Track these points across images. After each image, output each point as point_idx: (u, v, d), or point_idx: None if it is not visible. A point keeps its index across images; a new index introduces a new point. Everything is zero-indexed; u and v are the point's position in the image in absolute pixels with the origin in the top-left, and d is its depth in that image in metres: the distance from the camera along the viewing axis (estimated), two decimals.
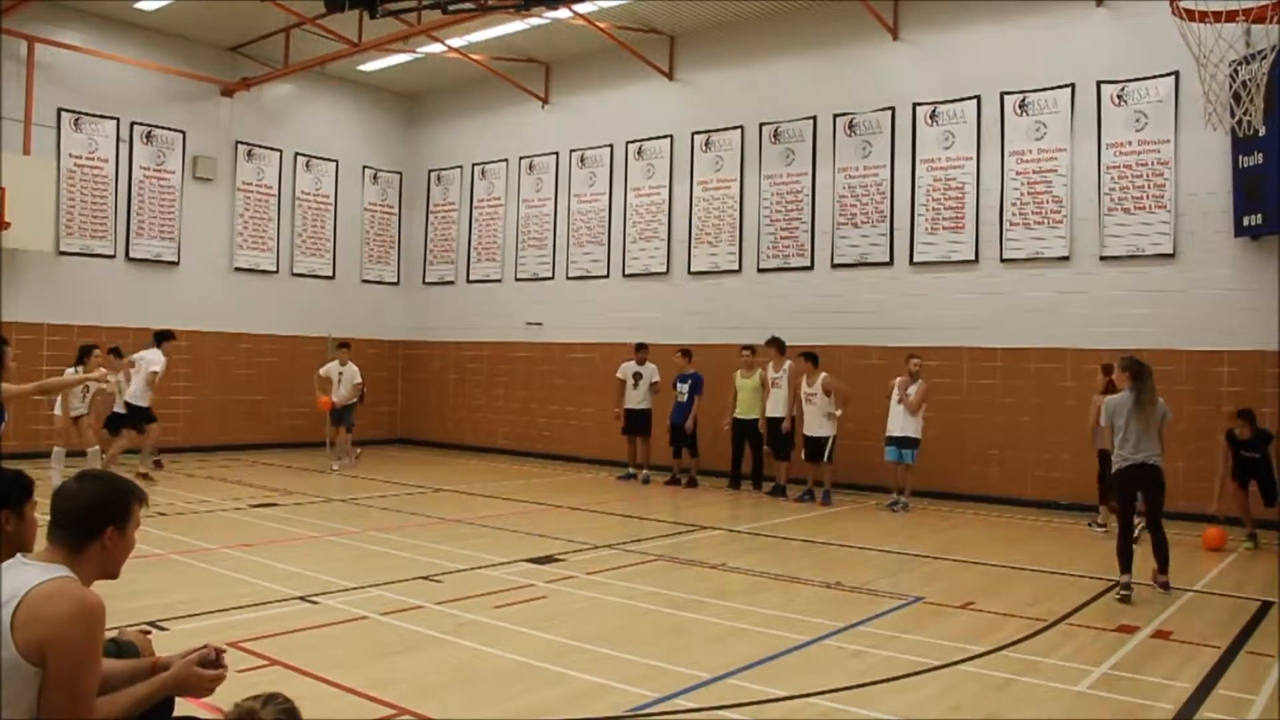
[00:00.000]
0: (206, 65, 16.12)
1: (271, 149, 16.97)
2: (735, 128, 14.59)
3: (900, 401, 11.32)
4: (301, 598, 6.38)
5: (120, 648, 3.01)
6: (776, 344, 12.54)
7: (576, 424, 16.17)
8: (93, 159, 14.80)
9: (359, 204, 18.35)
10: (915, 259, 12.84)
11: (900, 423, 11.34)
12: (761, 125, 14.29)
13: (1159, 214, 11.22)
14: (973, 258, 12.42)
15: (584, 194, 16.36)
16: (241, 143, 16.57)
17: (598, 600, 6.64)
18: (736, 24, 14.59)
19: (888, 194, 13.11)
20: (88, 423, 11.57)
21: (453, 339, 18.14)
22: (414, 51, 16.06)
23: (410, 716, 4.31)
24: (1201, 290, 10.94)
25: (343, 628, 5.74)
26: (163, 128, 15.56)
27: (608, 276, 15.94)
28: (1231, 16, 8.47)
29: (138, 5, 14.48)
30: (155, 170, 15.50)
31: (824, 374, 11.96)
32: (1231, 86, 8.80)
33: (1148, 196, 11.29)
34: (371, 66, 17.17)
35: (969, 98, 12.52)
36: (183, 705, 2.99)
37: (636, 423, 13.71)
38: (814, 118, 13.79)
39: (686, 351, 13.59)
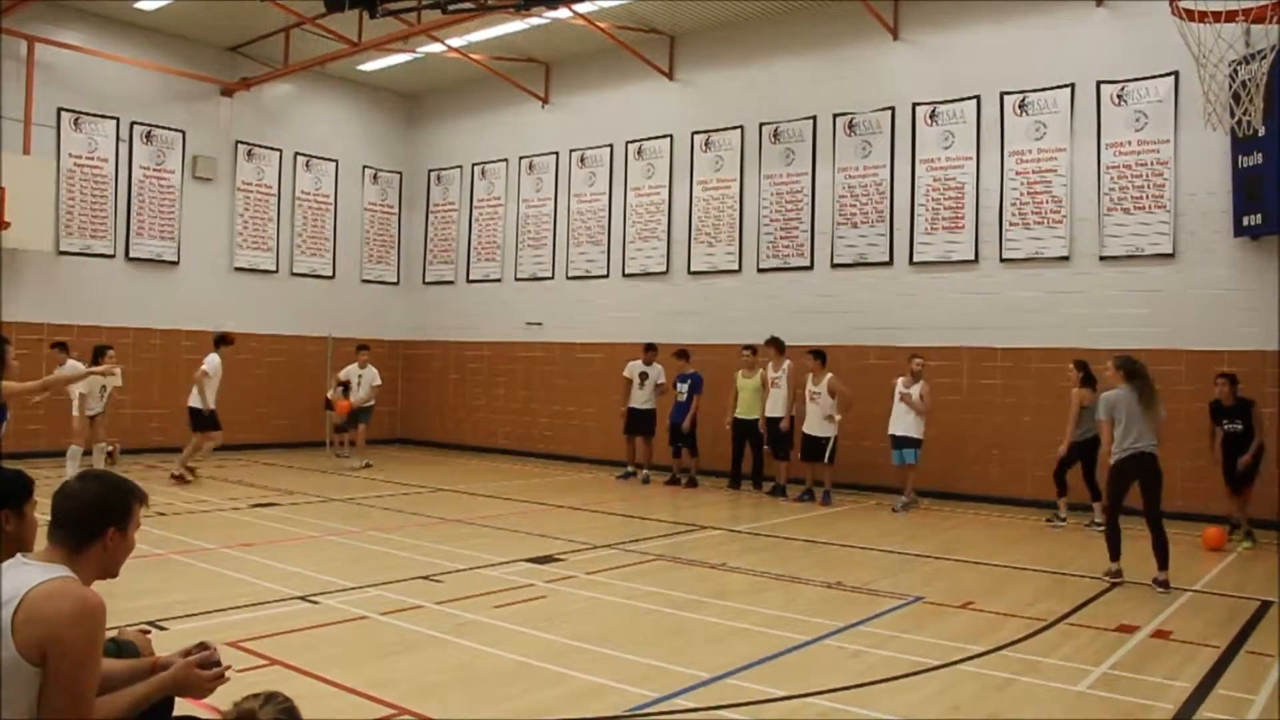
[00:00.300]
0: (206, 65, 16.12)
1: (271, 149, 16.97)
2: (735, 128, 14.59)
3: (901, 400, 11.34)
4: (301, 597, 6.38)
5: (120, 648, 3.01)
6: (776, 344, 12.54)
7: (577, 424, 16.17)
8: (93, 159, 14.80)
9: (359, 204, 18.35)
10: (915, 259, 12.84)
11: (901, 422, 11.36)
12: (761, 125, 14.29)
13: (1158, 214, 11.22)
14: (972, 258, 12.42)
15: (584, 194, 16.36)
16: (241, 142, 16.57)
17: (598, 600, 6.64)
18: (736, 24, 14.59)
19: (887, 194, 13.11)
20: (101, 421, 11.71)
21: (453, 339, 18.14)
22: (414, 51, 16.06)
23: (410, 716, 4.31)
24: (1201, 290, 10.94)
25: (342, 627, 5.74)
26: (162, 127, 15.56)
27: (607, 276, 15.94)
28: (1231, 16, 8.47)
29: (138, 5, 14.48)
30: (155, 170, 15.50)
31: (830, 374, 11.96)
32: (1231, 86, 8.80)
33: (1147, 196, 11.29)
34: (371, 66, 17.17)
35: (969, 98, 12.52)
36: (182, 705, 2.99)
37: (640, 422, 13.72)
38: (814, 118, 13.79)
39: (683, 353, 13.61)
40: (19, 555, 2.66)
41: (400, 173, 18.99)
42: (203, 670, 2.80)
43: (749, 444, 12.84)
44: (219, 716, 2.27)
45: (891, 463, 11.63)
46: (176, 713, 2.92)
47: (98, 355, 11.33)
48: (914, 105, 12.93)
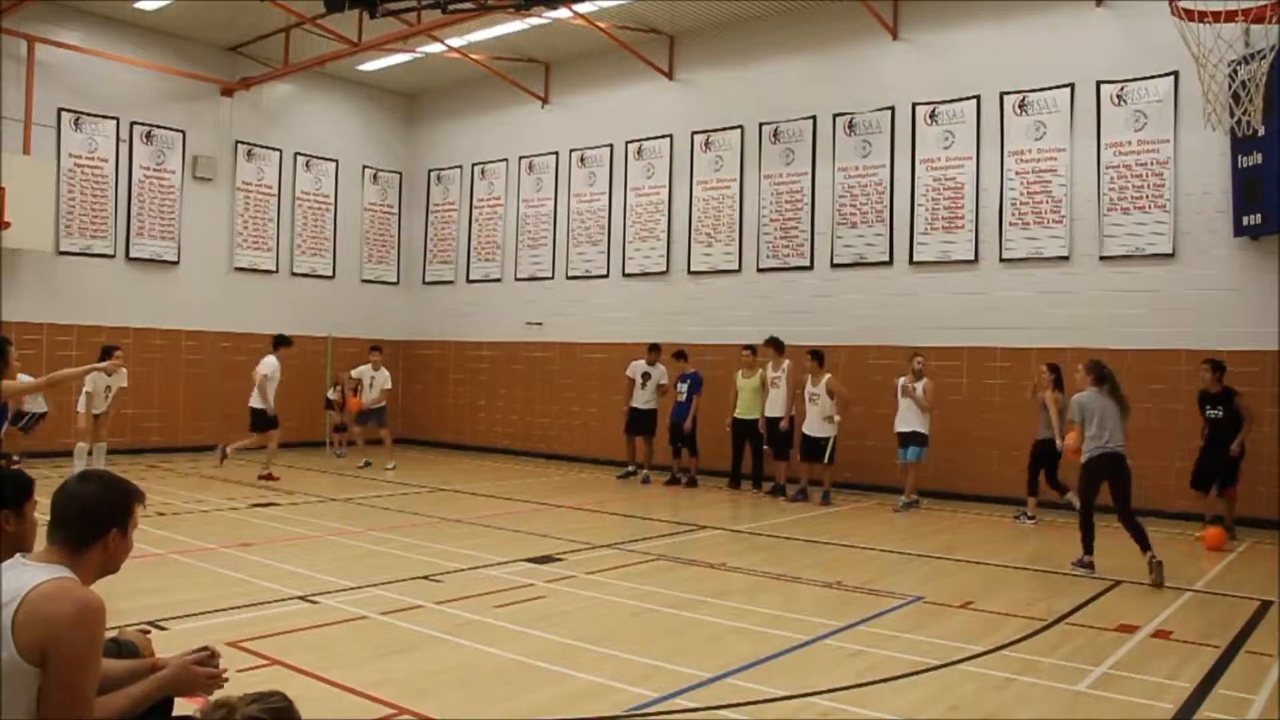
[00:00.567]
0: (206, 65, 16.12)
1: (271, 149, 16.97)
2: (735, 127, 14.59)
3: (904, 394, 11.37)
4: (301, 597, 6.38)
5: (120, 648, 3.01)
6: (775, 344, 12.54)
7: (578, 424, 16.17)
8: (93, 159, 14.80)
9: (359, 204, 18.35)
10: (915, 259, 12.84)
11: (906, 419, 11.40)
12: (761, 125, 14.29)
13: (1158, 214, 11.22)
14: (972, 257, 12.42)
15: (584, 194, 16.36)
16: (241, 142, 16.57)
17: (598, 600, 6.64)
18: (736, 24, 14.59)
19: (887, 194, 13.11)
20: (104, 420, 11.81)
21: (453, 339, 18.14)
22: (414, 51, 16.06)
23: (410, 716, 4.31)
24: (1200, 290, 10.94)
25: (342, 627, 5.74)
26: (163, 127, 15.56)
27: (607, 276, 15.94)
28: (1231, 16, 8.48)
29: (138, 5, 14.49)
30: (155, 170, 15.50)
31: (828, 375, 11.97)
32: (1231, 86, 8.81)
33: (1147, 196, 11.29)
34: (371, 66, 17.17)
35: (968, 97, 12.52)
36: (182, 705, 2.99)
37: (641, 422, 13.72)
38: (813, 117, 13.79)
39: (681, 353, 13.62)
40: (18, 556, 2.66)
41: (400, 173, 18.99)
42: (200, 668, 2.80)
43: (749, 444, 12.84)
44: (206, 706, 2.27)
45: (896, 462, 11.63)
46: (176, 712, 2.92)
47: (105, 356, 11.35)
48: (914, 105, 12.93)
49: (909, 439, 11.41)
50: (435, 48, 15.68)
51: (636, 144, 15.70)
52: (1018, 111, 12.18)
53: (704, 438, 13.33)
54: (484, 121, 17.89)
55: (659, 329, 14.78)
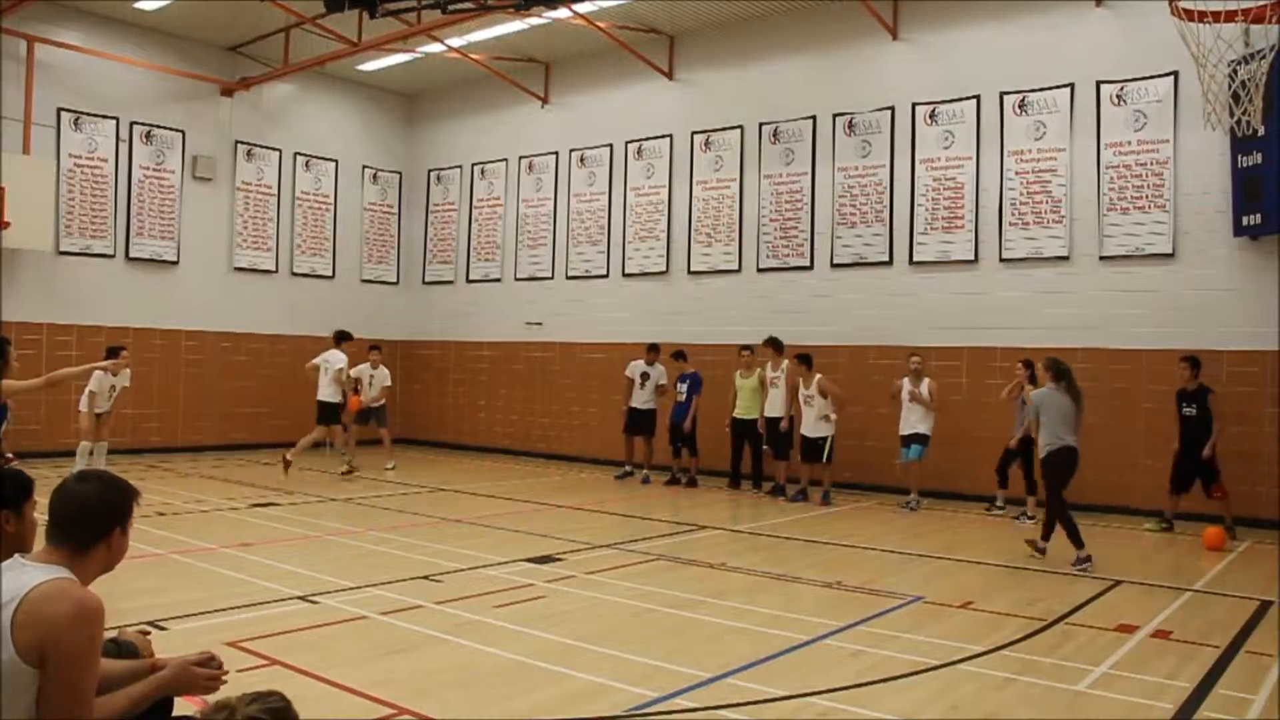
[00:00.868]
0: (206, 65, 16.12)
1: (271, 149, 16.97)
2: (735, 128, 14.59)
3: (912, 400, 11.37)
4: (301, 597, 6.38)
5: (120, 648, 3.01)
6: (774, 344, 12.54)
7: (578, 424, 16.16)
8: (92, 159, 14.80)
9: (359, 204, 18.35)
10: (914, 259, 12.84)
11: (910, 421, 11.41)
12: (761, 125, 14.29)
13: (1158, 214, 11.22)
14: (972, 257, 12.42)
15: (584, 194, 16.36)
16: (241, 142, 16.57)
17: (597, 600, 6.64)
18: (736, 24, 14.59)
19: (887, 194, 13.11)
20: (106, 420, 11.82)
21: (452, 338, 18.14)
22: (414, 51, 16.06)
23: (410, 716, 4.31)
24: (1200, 290, 10.94)
25: (342, 627, 5.74)
26: (162, 127, 15.56)
27: (607, 276, 15.94)
28: (1230, 16, 8.48)
29: (138, 5, 14.48)
30: (155, 170, 15.50)
31: (819, 376, 11.98)
32: (1230, 86, 8.81)
33: (1146, 196, 11.29)
34: (371, 66, 17.17)
35: (968, 97, 12.52)
36: (182, 705, 2.99)
37: (640, 422, 13.72)
38: (813, 117, 13.79)
39: (681, 353, 13.61)
40: (17, 556, 2.66)
41: (400, 173, 18.99)
42: (200, 669, 2.80)
43: (748, 444, 12.84)
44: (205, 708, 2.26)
45: (896, 462, 11.62)
46: (176, 713, 2.92)
47: (111, 356, 11.36)
48: (913, 105, 12.93)
49: (912, 439, 11.43)
50: (435, 48, 15.68)
51: (636, 144, 15.70)
52: (1017, 111, 12.18)
53: (703, 438, 13.33)
54: (484, 121, 17.89)
55: (658, 329, 14.78)
